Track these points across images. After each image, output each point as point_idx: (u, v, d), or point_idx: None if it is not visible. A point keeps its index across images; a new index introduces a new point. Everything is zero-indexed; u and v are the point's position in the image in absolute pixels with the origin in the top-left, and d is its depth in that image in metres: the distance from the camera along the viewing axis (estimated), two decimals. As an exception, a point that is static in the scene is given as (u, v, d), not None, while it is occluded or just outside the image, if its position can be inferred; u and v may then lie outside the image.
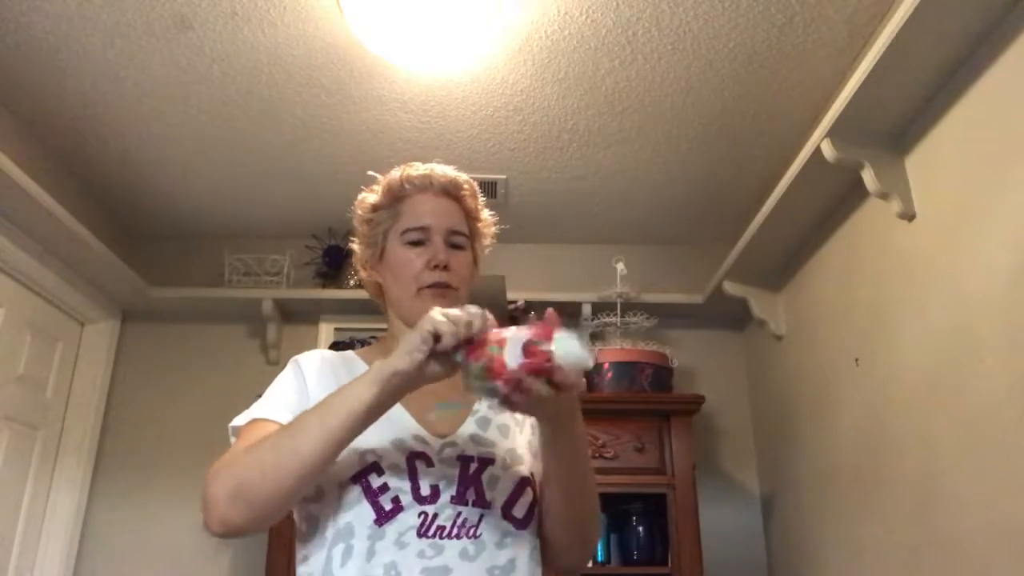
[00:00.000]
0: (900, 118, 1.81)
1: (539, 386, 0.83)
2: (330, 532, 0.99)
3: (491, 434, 1.09)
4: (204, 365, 2.87)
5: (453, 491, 1.01)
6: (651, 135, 2.37)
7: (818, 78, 2.09)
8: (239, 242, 2.96)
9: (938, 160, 1.74)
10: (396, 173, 1.17)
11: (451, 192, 1.16)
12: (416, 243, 1.12)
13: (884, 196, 1.86)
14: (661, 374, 2.50)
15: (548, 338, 0.83)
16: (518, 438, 1.12)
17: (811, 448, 2.36)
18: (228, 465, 0.94)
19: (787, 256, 2.50)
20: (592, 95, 2.19)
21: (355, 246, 1.21)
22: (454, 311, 0.89)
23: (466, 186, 1.18)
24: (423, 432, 1.05)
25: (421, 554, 0.97)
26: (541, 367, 0.82)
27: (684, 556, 2.25)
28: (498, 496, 1.03)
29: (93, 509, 2.68)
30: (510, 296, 2.61)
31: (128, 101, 2.22)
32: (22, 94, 2.19)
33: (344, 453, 0.95)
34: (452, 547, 0.98)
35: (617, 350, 2.54)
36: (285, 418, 1.00)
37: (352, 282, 2.84)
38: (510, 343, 0.85)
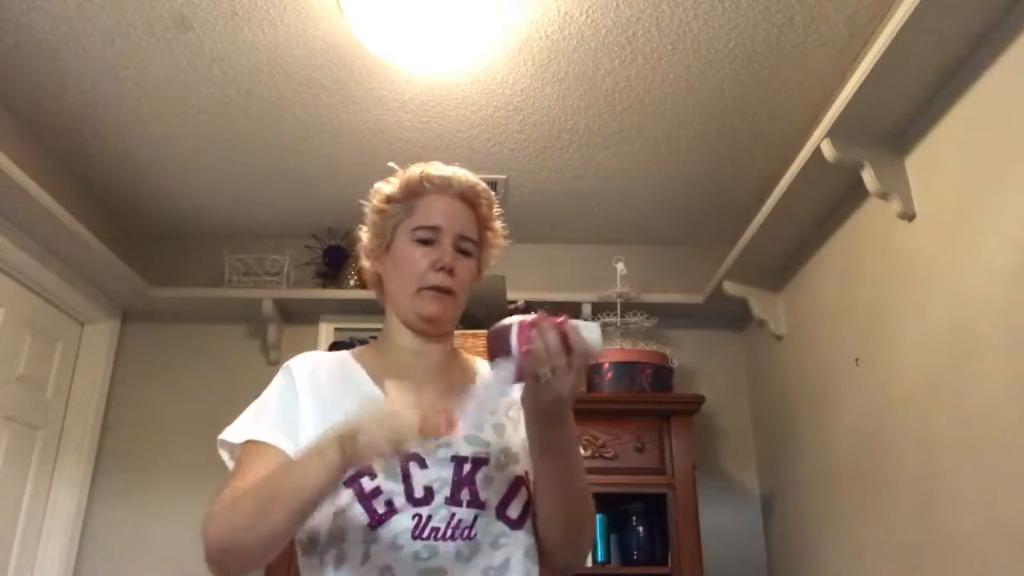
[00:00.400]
0: (900, 118, 1.81)
1: (552, 339, 0.87)
2: (324, 537, 1.00)
3: (486, 434, 1.09)
4: (204, 365, 2.87)
5: (447, 492, 1.01)
6: (651, 135, 2.37)
7: (818, 78, 2.09)
8: (239, 242, 2.96)
9: (938, 160, 1.74)
10: (416, 169, 1.16)
11: (468, 198, 1.16)
12: (425, 242, 1.11)
13: (884, 196, 1.86)
14: (661, 374, 2.50)
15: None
16: (513, 437, 1.11)
17: (811, 448, 2.36)
18: (226, 520, 0.95)
19: (787, 256, 2.50)
20: (592, 95, 2.19)
21: (362, 234, 1.20)
22: (410, 418, 0.86)
23: (484, 195, 1.18)
24: None
25: (416, 556, 0.97)
26: (556, 322, 0.89)
27: (684, 556, 2.25)
28: (492, 496, 1.03)
29: (93, 509, 2.68)
30: (510, 296, 2.61)
31: (128, 101, 2.22)
32: (22, 94, 2.19)
33: None
34: (447, 548, 0.98)
35: (617, 350, 2.54)
36: (280, 440, 1.02)
37: (352, 282, 2.84)
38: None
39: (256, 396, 1.11)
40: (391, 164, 1.20)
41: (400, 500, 0.98)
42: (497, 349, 0.91)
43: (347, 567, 0.97)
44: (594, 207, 2.79)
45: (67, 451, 2.67)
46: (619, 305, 2.75)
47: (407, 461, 1.00)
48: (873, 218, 2.00)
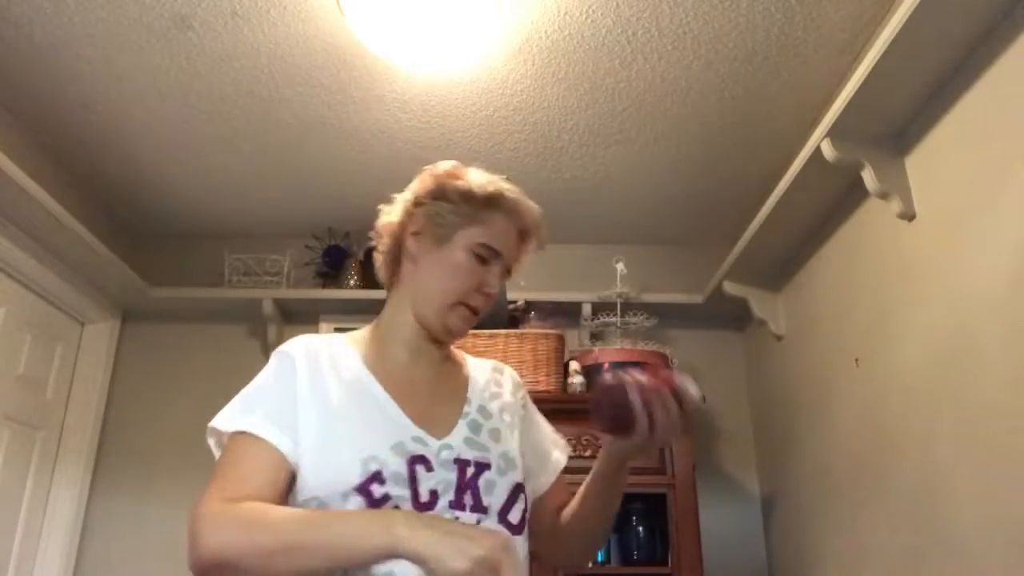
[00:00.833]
0: (900, 118, 1.81)
1: (669, 400, 1.00)
2: None
3: (483, 438, 1.09)
4: (204, 365, 2.87)
5: (451, 496, 1.01)
6: (651, 135, 2.37)
7: (818, 78, 2.09)
8: (239, 242, 2.96)
9: (938, 160, 1.74)
10: (487, 178, 1.14)
11: (527, 235, 1.17)
12: (481, 259, 1.11)
13: (884, 196, 1.86)
14: (661, 374, 2.49)
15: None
16: (510, 442, 1.12)
17: (811, 448, 2.36)
18: (226, 533, 0.92)
19: (787, 256, 2.50)
20: (592, 95, 2.19)
21: (410, 210, 1.15)
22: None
23: (536, 240, 1.19)
24: (421, 433, 1.04)
25: None
26: (671, 382, 1.02)
27: (684, 556, 2.25)
28: (495, 502, 1.04)
29: (93, 509, 2.68)
30: (510, 296, 2.61)
31: (128, 101, 2.22)
32: (22, 94, 2.19)
33: (346, 462, 0.97)
34: None
35: (617, 350, 2.53)
36: (274, 435, 0.99)
37: (352, 282, 2.84)
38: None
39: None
40: (454, 162, 1.19)
41: (406, 505, 0.98)
42: (614, 414, 1.02)
43: (351, 570, 0.96)
44: (594, 207, 2.79)
45: (67, 451, 2.67)
46: (619, 305, 2.75)
47: (414, 464, 1.00)
48: (873, 218, 2.00)
